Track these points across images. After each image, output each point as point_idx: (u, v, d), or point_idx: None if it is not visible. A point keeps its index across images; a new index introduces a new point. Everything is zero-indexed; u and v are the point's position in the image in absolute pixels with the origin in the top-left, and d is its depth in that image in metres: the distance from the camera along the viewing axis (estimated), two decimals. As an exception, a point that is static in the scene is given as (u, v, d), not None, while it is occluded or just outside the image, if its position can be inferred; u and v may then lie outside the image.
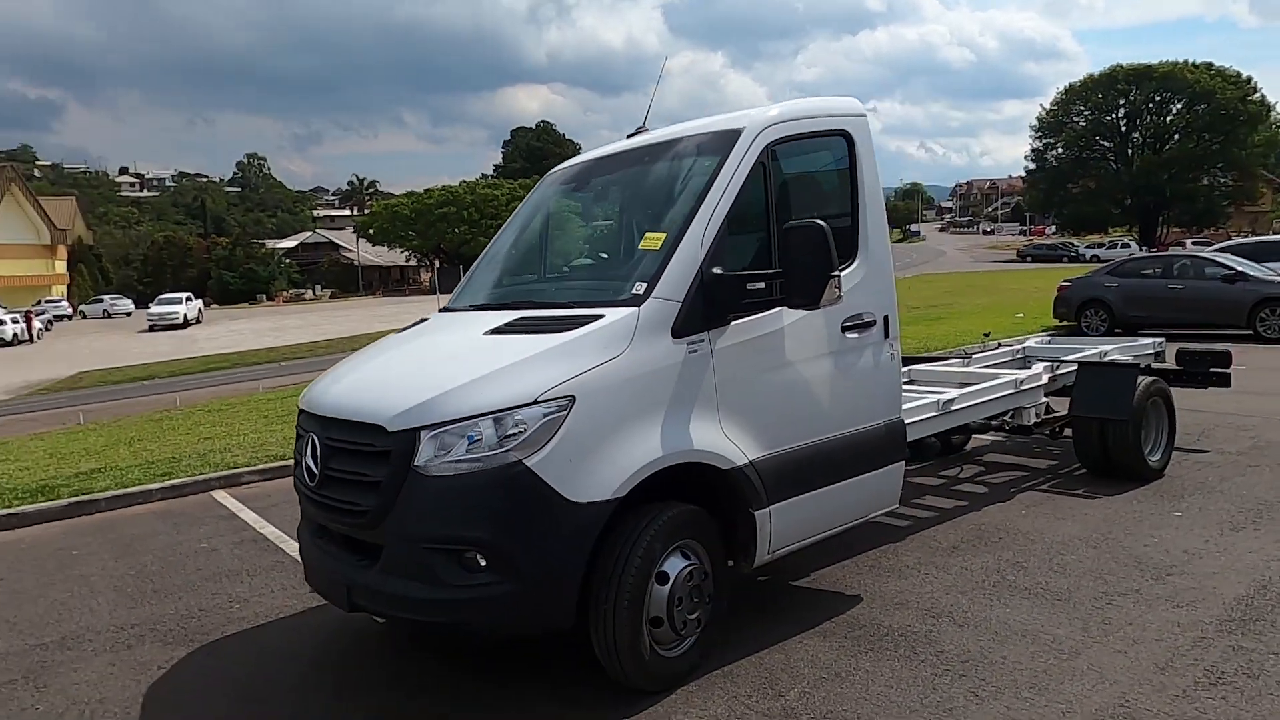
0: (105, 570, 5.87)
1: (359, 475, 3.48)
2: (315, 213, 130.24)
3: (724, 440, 3.69)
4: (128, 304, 61.72)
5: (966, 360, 7.42)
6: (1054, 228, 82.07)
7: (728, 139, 3.97)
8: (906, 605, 4.39)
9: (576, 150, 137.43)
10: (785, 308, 3.87)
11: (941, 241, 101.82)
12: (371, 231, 74.35)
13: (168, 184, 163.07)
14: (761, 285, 3.77)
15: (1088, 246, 57.43)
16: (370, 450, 3.43)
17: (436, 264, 55.99)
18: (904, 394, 5.85)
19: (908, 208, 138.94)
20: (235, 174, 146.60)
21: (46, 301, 56.89)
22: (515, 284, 4.45)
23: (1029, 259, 56.76)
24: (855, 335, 4.25)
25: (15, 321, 40.78)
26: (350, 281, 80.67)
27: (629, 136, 4.72)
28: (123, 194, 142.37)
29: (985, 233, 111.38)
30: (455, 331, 4.04)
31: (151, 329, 44.30)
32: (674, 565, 3.59)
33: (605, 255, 4.22)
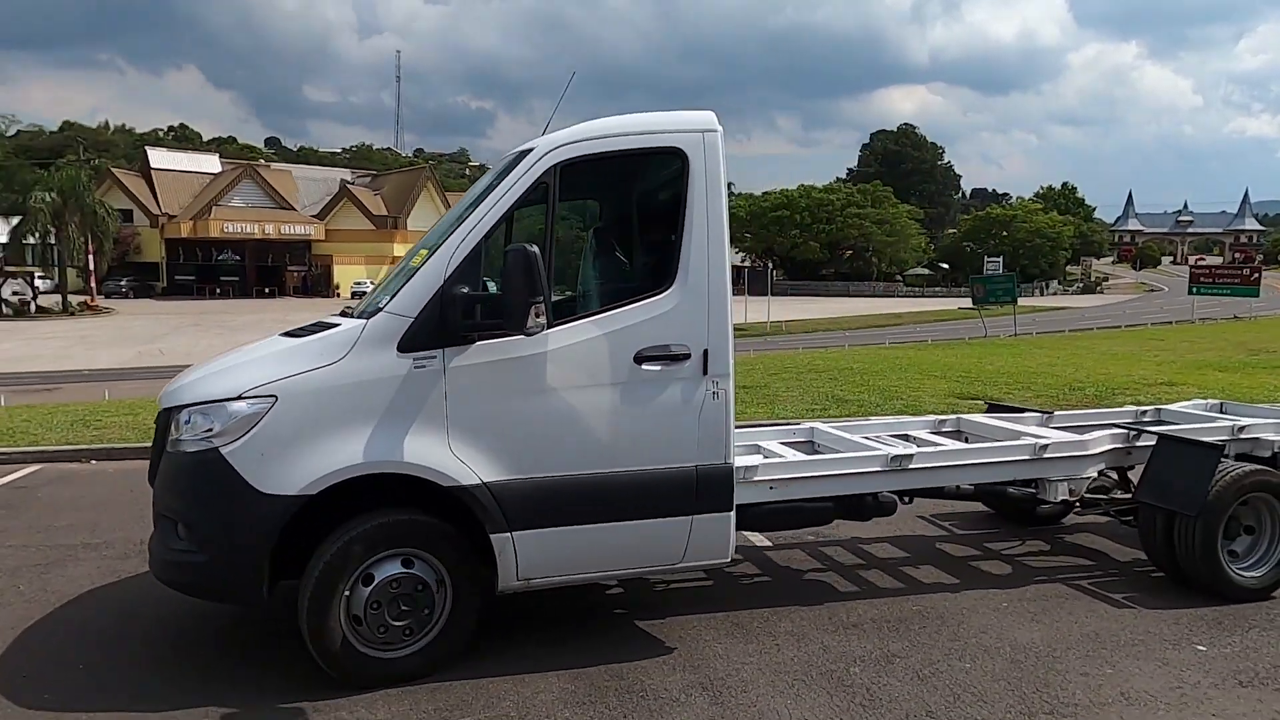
0: (199, 498, 7.30)
1: (159, 446, 4.12)
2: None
3: (449, 458, 3.71)
4: None
5: (1047, 416, 6.15)
6: None
7: (516, 160, 3.94)
8: (697, 669, 3.98)
9: (938, 154, 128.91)
10: (552, 331, 3.78)
11: None
12: None
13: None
14: None
15: None
16: (158, 426, 4.05)
17: (748, 265, 57.22)
18: (868, 443, 5.17)
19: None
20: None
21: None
22: None
23: None
24: (656, 368, 3.94)
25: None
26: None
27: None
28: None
29: None
30: (278, 331, 4.50)
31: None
32: (384, 570, 3.72)
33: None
